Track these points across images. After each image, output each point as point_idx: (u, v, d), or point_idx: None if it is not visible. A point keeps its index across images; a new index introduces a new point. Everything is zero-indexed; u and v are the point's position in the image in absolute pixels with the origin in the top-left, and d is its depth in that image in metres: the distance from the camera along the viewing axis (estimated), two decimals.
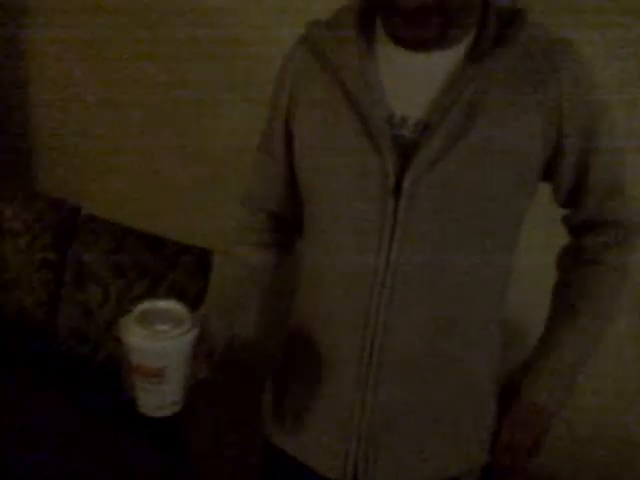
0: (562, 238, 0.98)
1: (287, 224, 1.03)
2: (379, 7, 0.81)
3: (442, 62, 0.82)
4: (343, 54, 0.85)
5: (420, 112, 0.82)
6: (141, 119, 1.92)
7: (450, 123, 0.79)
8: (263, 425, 1.04)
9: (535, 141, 0.82)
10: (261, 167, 1.01)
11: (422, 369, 0.87)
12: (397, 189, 0.81)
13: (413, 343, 0.85)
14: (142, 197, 1.93)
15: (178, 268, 1.71)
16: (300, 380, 0.96)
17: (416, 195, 0.80)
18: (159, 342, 0.81)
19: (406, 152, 0.81)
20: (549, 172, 0.87)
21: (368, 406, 0.88)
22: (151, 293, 1.69)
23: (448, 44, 0.81)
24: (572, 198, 0.91)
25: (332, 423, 0.91)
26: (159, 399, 0.84)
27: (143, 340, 0.81)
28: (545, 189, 0.91)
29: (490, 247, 0.85)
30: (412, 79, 0.83)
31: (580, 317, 0.93)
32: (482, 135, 0.80)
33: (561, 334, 0.93)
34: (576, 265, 0.96)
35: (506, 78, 0.81)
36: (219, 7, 1.72)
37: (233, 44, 1.71)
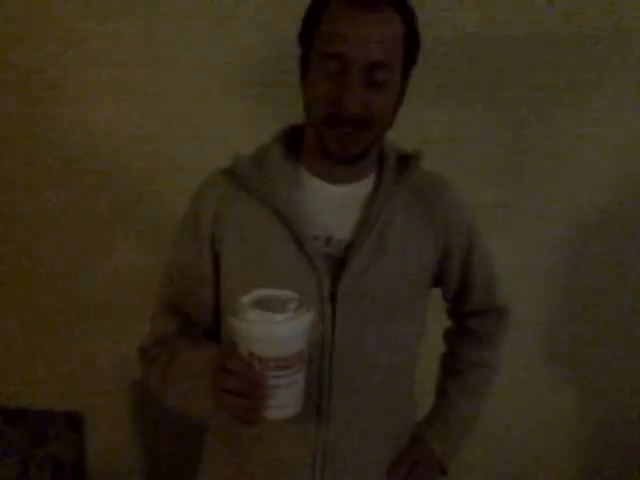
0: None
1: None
2: (318, 123, 0.91)
3: (354, 193, 0.99)
4: (271, 183, 0.96)
5: (342, 233, 0.97)
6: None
7: (370, 242, 0.95)
8: None
9: (430, 255, 1.02)
10: (181, 293, 1.03)
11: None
12: (333, 298, 0.94)
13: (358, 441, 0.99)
14: None
15: (47, 440, 1.67)
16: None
17: (350, 302, 0.95)
18: (298, 323, 0.77)
19: (334, 267, 0.95)
20: (439, 278, 1.08)
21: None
22: (25, 470, 1.61)
23: (357, 179, 0.99)
24: (458, 296, 1.13)
25: None
26: (298, 390, 0.80)
27: (285, 324, 0.76)
28: None
29: (414, 336, 1.05)
30: (331, 206, 0.98)
31: (469, 384, 1.15)
32: (395, 251, 0.97)
33: (452, 395, 1.14)
34: (463, 341, 1.18)
35: (404, 207, 1.00)
36: None
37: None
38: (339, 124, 0.88)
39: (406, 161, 1.02)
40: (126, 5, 1.53)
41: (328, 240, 0.97)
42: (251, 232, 0.97)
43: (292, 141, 1.02)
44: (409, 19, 0.91)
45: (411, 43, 0.92)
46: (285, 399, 0.79)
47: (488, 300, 1.14)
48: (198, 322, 1.04)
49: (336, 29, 0.87)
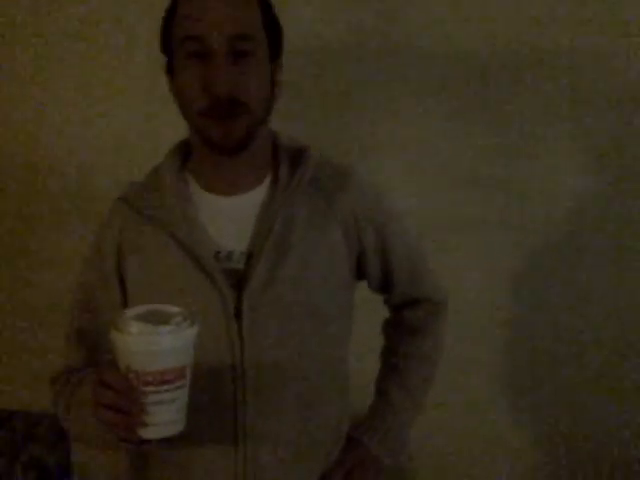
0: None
1: None
2: (195, 117, 0.90)
3: (249, 203, 0.96)
4: (164, 206, 0.96)
5: (242, 246, 0.95)
6: None
7: (268, 252, 0.93)
8: None
9: (340, 250, 0.98)
10: (88, 326, 1.01)
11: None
12: (237, 313, 0.92)
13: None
14: None
15: (33, 442, 1.68)
16: None
17: (256, 316, 0.92)
18: (181, 336, 0.74)
19: (239, 281, 0.93)
20: (359, 270, 1.04)
21: None
22: (10, 472, 1.62)
23: (250, 187, 0.97)
24: (383, 286, 1.09)
25: None
26: (178, 408, 0.76)
27: (166, 337, 0.72)
28: None
29: (329, 344, 0.99)
30: (228, 219, 0.96)
31: (405, 378, 1.10)
32: (297, 256, 0.94)
33: (390, 394, 1.10)
34: (399, 333, 1.14)
35: (305, 205, 0.97)
36: None
37: None
38: (215, 110, 0.87)
39: (297, 158, 0.99)
40: None
41: (230, 254, 0.95)
42: (151, 258, 0.96)
43: (184, 157, 1.02)
44: (265, 6, 0.92)
45: (271, 28, 0.92)
46: (163, 417, 0.75)
47: (417, 289, 1.11)
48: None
49: (191, 15, 0.87)
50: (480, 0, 1.46)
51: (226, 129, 0.89)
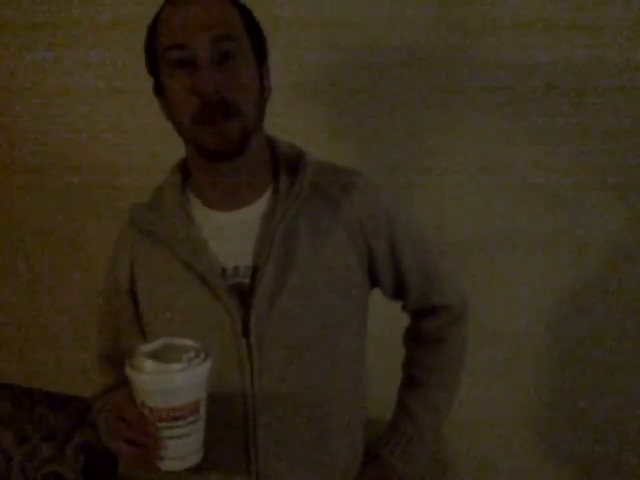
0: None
1: None
2: (189, 126, 0.89)
3: (251, 216, 0.96)
4: (168, 227, 0.96)
5: (247, 260, 0.94)
6: (30, 271, 1.90)
7: (273, 264, 0.91)
8: None
9: (348, 256, 0.95)
10: (110, 345, 1.05)
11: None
12: (246, 330, 0.91)
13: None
14: (40, 355, 1.89)
15: (86, 426, 1.71)
16: None
17: (263, 332, 0.91)
18: (194, 373, 0.76)
19: (246, 297, 0.92)
20: (371, 276, 1.00)
21: None
22: (59, 456, 1.65)
23: (252, 200, 0.96)
24: (397, 292, 1.05)
25: None
26: (193, 440, 0.79)
27: (179, 375, 0.74)
28: None
29: (344, 354, 0.97)
30: (231, 234, 0.95)
31: (427, 390, 1.08)
32: (303, 265, 0.92)
33: (411, 407, 1.07)
34: (420, 344, 1.10)
35: (307, 212, 0.95)
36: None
37: None
38: (206, 113, 0.86)
39: (295, 165, 0.97)
40: None
41: (236, 270, 0.94)
42: (159, 279, 0.97)
43: (185, 175, 1.02)
44: (244, 11, 0.93)
45: (253, 31, 0.92)
46: (179, 450, 0.78)
47: (432, 294, 1.06)
48: None
49: (171, 25, 0.88)
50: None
51: (220, 133, 0.88)
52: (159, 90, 0.94)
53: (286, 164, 0.98)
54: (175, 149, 1.02)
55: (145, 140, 1.65)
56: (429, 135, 1.48)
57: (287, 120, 1.31)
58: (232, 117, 0.87)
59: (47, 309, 1.88)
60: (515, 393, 1.52)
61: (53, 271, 1.86)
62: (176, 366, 0.75)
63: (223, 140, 0.88)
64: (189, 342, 0.80)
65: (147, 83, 0.99)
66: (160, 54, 0.90)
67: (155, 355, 0.78)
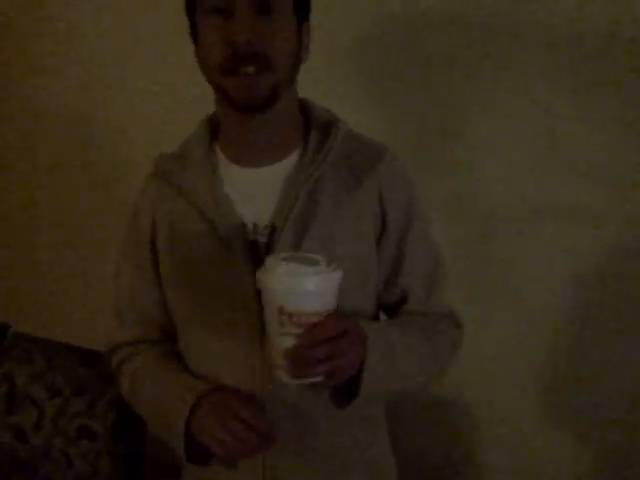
0: None
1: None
2: (218, 75, 0.89)
3: (275, 174, 0.95)
4: (191, 179, 0.97)
5: (267, 218, 0.94)
6: (66, 235, 1.91)
7: (292, 225, 0.91)
8: None
9: (366, 228, 0.95)
10: (131, 294, 1.06)
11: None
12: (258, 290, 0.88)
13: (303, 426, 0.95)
14: (75, 311, 1.91)
15: (116, 384, 1.72)
16: None
17: None
18: (332, 277, 0.75)
19: (263, 255, 0.90)
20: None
21: None
22: (90, 411, 1.67)
23: (278, 158, 0.95)
24: (388, 280, 0.99)
25: None
26: None
27: (319, 276, 0.74)
28: None
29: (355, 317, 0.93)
30: (254, 191, 0.96)
31: (407, 329, 0.97)
32: (321, 230, 0.92)
33: (390, 330, 0.95)
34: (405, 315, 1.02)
35: (332, 179, 0.94)
36: None
37: None
38: (239, 66, 0.84)
39: (326, 131, 0.96)
40: None
41: (255, 227, 0.94)
42: (179, 230, 0.97)
43: (214, 129, 1.01)
44: None
45: None
46: None
47: (428, 294, 1.00)
48: (154, 322, 1.06)
49: None
50: None
51: (248, 86, 0.86)
52: (194, 32, 0.92)
53: (318, 128, 0.97)
54: None
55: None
56: (459, 105, 1.46)
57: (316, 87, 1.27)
58: (264, 71, 0.86)
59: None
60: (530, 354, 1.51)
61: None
62: (314, 268, 0.75)
63: (252, 93, 0.87)
64: (315, 255, 0.79)
65: None
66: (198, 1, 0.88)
67: (289, 260, 0.77)
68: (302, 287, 0.74)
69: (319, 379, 0.78)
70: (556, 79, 1.36)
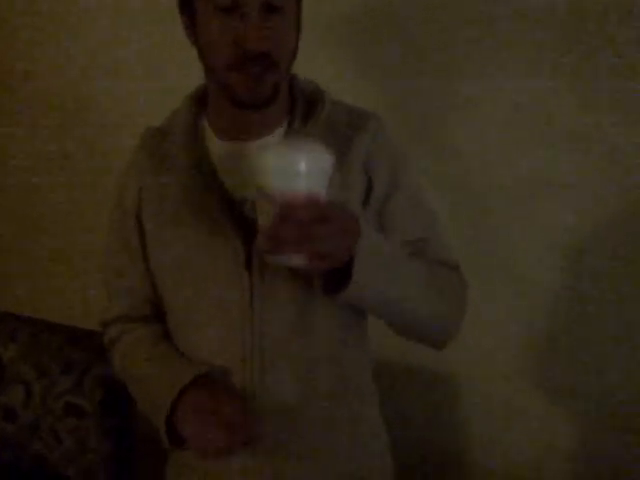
0: None
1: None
2: (222, 70, 0.87)
3: (266, 146, 0.91)
4: (178, 155, 0.96)
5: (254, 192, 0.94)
6: (52, 212, 1.90)
7: None
8: None
9: (357, 194, 0.94)
10: (120, 274, 1.06)
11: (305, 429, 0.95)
12: (249, 264, 0.91)
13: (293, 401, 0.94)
14: (60, 290, 1.90)
15: (104, 361, 1.72)
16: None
17: (266, 266, 0.90)
18: (322, 158, 0.73)
19: (252, 229, 0.87)
20: None
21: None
22: (77, 388, 1.67)
23: (266, 133, 0.95)
24: None
25: None
26: None
27: (311, 154, 0.72)
28: None
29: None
30: (241, 165, 0.94)
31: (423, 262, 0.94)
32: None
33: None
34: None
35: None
36: None
37: None
38: (246, 65, 0.84)
39: (312, 101, 0.96)
40: None
41: (243, 201, 0.93)
42: (166, 205, 0.96)
43: (202, 102, 1.00)
44: None
45: None
46: None
47: (427, 251, 0.97)
48: (143, 297, 1.06)
49: None
50: None
51: (255, 84, 0.86)
52: (188, 10, 0.90)
53: (303, 101, 0.97)
54: None
55: None
56: (459, 78, 1.44)
57: (313, 60, 1.26)
58: (269, 70, 0.86)
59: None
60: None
61: None
62: (307, 146, 0.74)
63: (257, 92, 0.87)
64: (312, 143, 0.77)
65: None
66: None
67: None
68: (288, 165, 0.72)
69: (300, 263, 0.74)
70: (551, 56, 1.35)
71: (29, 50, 1.81)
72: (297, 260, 0.74)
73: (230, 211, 0.92)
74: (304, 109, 0.96)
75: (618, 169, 1.34)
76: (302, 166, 0.71)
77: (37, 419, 1.64)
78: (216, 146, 0.97)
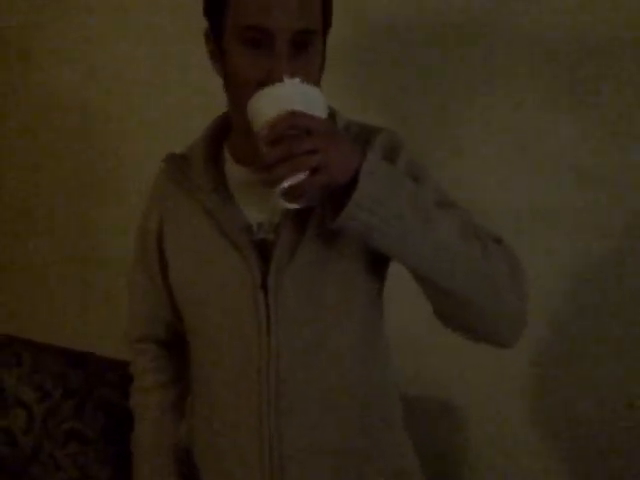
0: None
1: (176, 348, 1.17)
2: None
3: None
4: (198, 179, 0.98)
5: (271, 216, 0.96)
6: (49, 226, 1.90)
7: (292, 220, 0.92)
8: None
9: None
10: (140, 296, 1.14)
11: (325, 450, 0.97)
12: (265, 285, 0.93)
13: (312, 429, 0.96)
14: (60, 311, 1.90)
15: (104, 385, 1.72)
16: None
17: (281, 286, 0.92)
18: (311, 89, 0.78)
19: (269, 252, 0.94)
20: None
21: None
22: (78, 412, 1.67)
23: None
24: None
25: None
26: None
27: (294, 86, 0.77)
28: None
29: (360, 316, 0.96)
30: (258, 190, 0.92)
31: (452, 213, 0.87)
32: (321, 222, 0.90)
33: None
34: None
35: None
36: None
37: None
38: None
39: None
40: None
41: (260, 226, 0.95)
42: (185, 229, 1.00)
43: (225, 129, 1.02)
44: None
45: (327, 5, 0.89)
46: None
47: None
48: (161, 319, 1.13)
49: (255, 3, 0.82)
50: None
51: None
52: (216, 34, 0.89)
53: None
54: None
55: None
56: (459, 109, 1.44)
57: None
58: None
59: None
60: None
61: None
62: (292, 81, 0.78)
63: None
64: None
65: None
66: (233, 24, 0.85)
67: None
68: (273, 94, 0.77)
69: (300, 177, 0.75)
70: (545, 83, 1.34)
71: (29, 50, 1.80)
72: (297, 179, 0.75)
73: (247, 234, 0.95)
74: None
75: (617, 195, 1.33)
76: (284, 90, 0.77)
77: (38, 444, 1.64)
78: (234, 171, 0.99)
